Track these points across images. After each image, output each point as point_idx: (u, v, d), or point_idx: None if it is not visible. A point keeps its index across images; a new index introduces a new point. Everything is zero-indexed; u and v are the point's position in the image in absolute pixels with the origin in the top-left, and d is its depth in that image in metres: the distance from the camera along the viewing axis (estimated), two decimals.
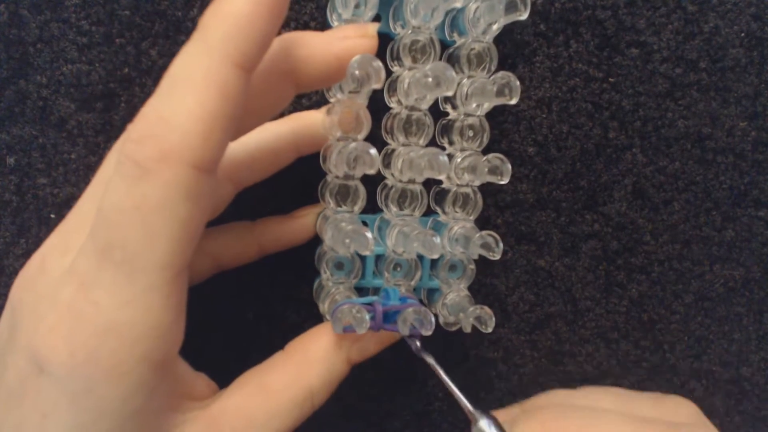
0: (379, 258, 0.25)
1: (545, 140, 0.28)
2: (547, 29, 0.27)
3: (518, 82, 0.22)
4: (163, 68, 0.25)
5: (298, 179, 0.26)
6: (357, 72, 0.20)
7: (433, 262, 0.26)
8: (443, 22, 0.25)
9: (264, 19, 0.16)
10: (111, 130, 0.25)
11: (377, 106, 0.24)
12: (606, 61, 0.27)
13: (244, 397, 0.20)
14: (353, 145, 0.21)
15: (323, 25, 0.26)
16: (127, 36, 0.25)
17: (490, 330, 0.24)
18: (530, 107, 0.27)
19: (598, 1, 0.27)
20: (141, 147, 0.16)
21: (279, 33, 0.18)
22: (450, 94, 0.21)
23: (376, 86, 0.20)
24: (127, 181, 0.16)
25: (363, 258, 0.25)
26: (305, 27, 0.26)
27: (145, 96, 0.25)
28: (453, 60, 0.24)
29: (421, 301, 0.27)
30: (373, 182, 0.24)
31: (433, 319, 0.23)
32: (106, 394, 0.17)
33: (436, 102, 0.25)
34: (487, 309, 0.24)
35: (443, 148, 0.25)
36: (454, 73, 0.21)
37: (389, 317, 0.22)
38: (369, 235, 0.21)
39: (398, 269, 0.25)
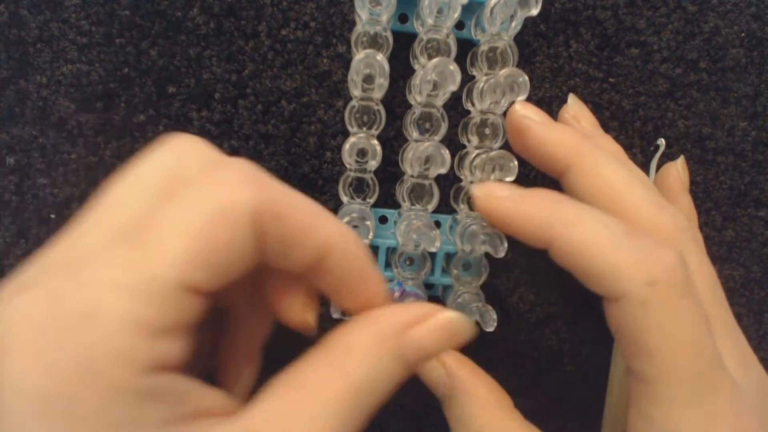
0: (393, 251, 0.26)
1: None
2: (547, 29, 0.27)
3: (527, 78, 0.22)
4: (163, 68, 0.25)
5: (296, 178, 0.26)
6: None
7: (448, 259, 0.26)
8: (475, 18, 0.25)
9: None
10: (111, 130, 0.25)
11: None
12: (606, 61, 0.27)
13: (279, 400, 0.17)
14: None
15: (323, 25, 0.26)
16: (127, 36, 0.25)
17: (491, 329, 0.24)
18: None
19: (598, 1, 0.27)
20: None
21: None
22: (454, 89, 0.22)
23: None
24: None
25: (376, 250, 0.25)
26: (305, 27, 0.26)
27: (145, 96, 0.25)
28: (474, 59, 0.25)
29: (438, 298, 0.27)
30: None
31: None
32: (77, 396, 0.14)
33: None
34: (489, 308, 0.24)
35: (464, 146, 0.25)
36: (454, 68, 0.21)
37: None
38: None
39: (409, 263, 0.25)
